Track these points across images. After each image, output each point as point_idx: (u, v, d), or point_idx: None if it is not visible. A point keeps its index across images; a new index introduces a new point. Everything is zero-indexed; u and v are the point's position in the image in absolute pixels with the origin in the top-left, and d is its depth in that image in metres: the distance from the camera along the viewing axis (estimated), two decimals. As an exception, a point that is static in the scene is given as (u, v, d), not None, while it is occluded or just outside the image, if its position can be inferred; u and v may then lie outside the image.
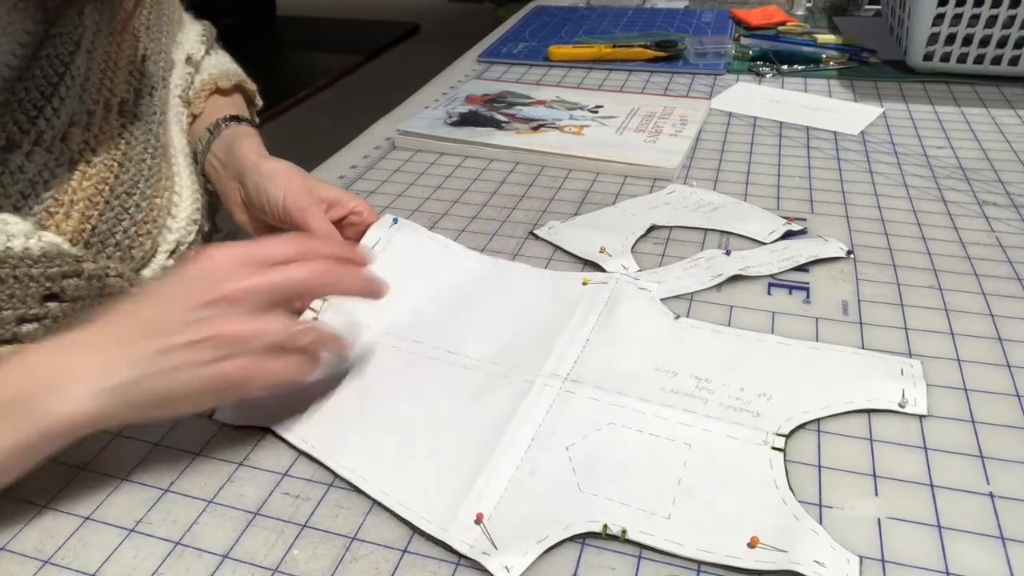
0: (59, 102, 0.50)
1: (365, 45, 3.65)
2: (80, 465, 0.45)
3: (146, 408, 0.40)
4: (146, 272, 0.57)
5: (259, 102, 0.79)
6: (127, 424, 0.45)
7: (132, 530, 0.41)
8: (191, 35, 0.72)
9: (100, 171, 0.53)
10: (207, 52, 0.73)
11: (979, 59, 0.99)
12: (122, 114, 0.56)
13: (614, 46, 1.14)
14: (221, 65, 0.73)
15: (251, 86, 0.77)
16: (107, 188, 0.53)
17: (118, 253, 0.54)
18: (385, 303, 0.56)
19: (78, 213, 0.51)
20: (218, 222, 0.71)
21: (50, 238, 0.47)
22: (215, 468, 0.45)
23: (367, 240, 0.59)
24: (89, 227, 0.52)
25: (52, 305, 0.48)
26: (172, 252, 0.60)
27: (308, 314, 0.54)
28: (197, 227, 0.62)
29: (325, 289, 0.46)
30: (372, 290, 0.47)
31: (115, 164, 0.54)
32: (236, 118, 0.67)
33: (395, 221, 0.62)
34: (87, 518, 0.42)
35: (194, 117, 0.69)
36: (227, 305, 0.40)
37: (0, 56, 0.48)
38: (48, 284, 0.47)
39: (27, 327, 0.47)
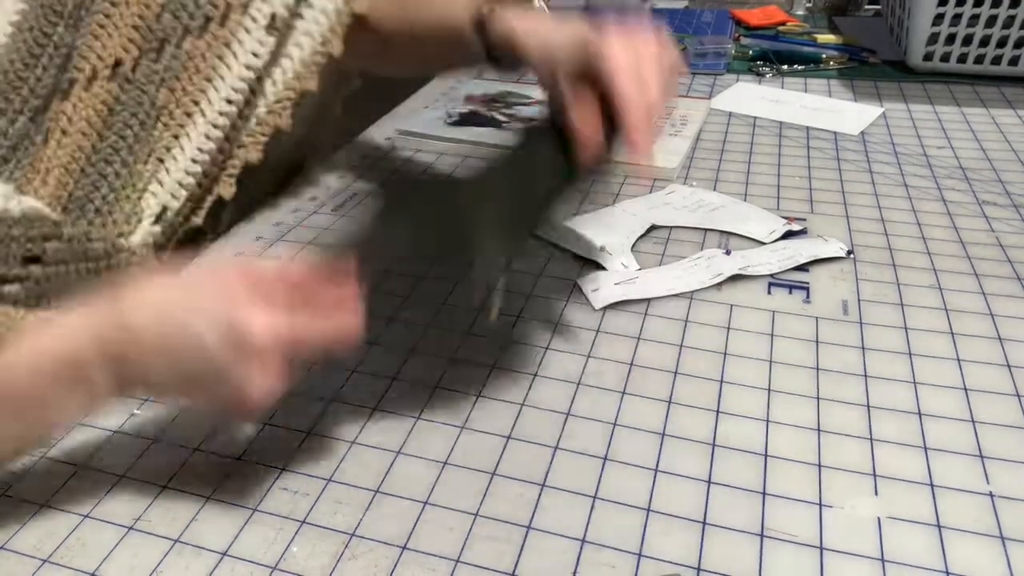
0: (41, 71, 0.51)
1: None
2: (78, 463, 0.45)
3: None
4: (134, 239, 0.56)
5: None
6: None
7: (131, 528, 0.41)
8: None
9: (77, 139, 0.53)
10: None
11: (979, 59, 0.99)
12: (112, 79, 0.55)
13: (614, 46, 1.14)
14: None
15: None
16: (83, 156, 0.54)
17: (98, 219, 0.55)
18: None
19: (54, 180, 0.52)
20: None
21: (30, 201, 0.49)
22: (213, 464, 0.45)
23: None
24: (65, 194, 0.53)
25: (34, 268, 0.49)
26: (158, 217, 0.58)
27: None
28: (187, 193, 0.59)
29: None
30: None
31: (93, 133, 0.54)
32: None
33: None
34: (86, 516, 0.42)
35: (330, 57, 0.62)
36: (259, 362, 0.39)
37: None
38: (29, 246, 0.48)
39: (8, 288, 0.48)
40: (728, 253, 0.63)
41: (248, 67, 0.60)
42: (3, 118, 0.50)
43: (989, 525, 0.40)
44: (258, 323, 0.38)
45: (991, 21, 0.96)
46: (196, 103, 0.59)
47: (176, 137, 0.59)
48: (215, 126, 0.60)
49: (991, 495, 0.42)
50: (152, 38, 0.56)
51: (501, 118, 0.90)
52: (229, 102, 0.60)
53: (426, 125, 0.88)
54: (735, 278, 0.60)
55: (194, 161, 0.59)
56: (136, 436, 0.47)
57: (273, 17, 0.61)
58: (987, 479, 0.42)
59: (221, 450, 0.46)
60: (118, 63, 0.55)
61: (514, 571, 0.39)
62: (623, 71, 0.46)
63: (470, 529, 0.41)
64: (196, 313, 0.38)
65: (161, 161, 0.58)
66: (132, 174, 0.56)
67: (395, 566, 0.39)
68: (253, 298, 0.39)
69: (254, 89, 0.61)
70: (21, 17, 0.52)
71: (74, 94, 0.54)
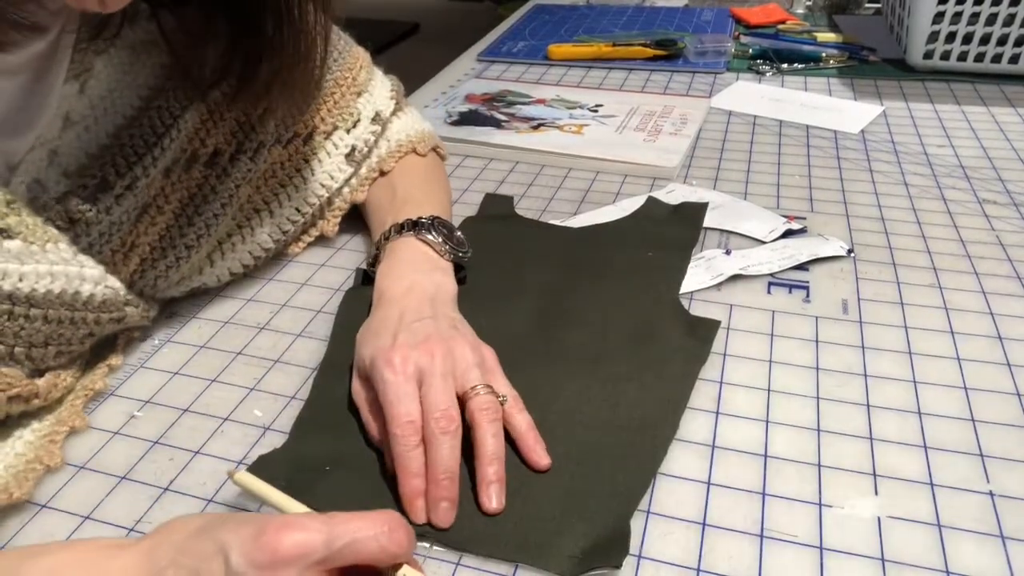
0: (160, 152, 0.50)
1: (365, 44, 3.65)
2: (80, 464, 0.45)
3: None
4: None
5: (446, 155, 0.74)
6: None
7: (132, 529, 0.41)
8: (382, 91, 0.68)
9: (168, 219, 0.53)
10: (396, 111, 0.69)
11: (979, 57, 0.99)
12: (210, 166, 0.54)
13: (614, 45, 1.14)
14: (418, 125, 0.70)
15: (444, 151, 0.72)
16: (168, 236, 0.53)
17: (152, 292, 0.55)
18: None
19: (137, 257, 0.52)
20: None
21: (112, 283, 0.48)
22: (215, 466, 0.45)
23: None
24: (140, 271, 0.52)
25: (88, 341, 0.49)
26: (191, 290, 0.59)
27: None
28: (229, 280, 0.61)
29: None
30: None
31: (184, 215, 0.54)
32: (416, 225, 0.56)
33: None
34: (87, 517, 0.42)
35: (381, 172, 0.66)
36: None
37: (120, 108, 0.48)
38: (95, 327, 0.49)
39: (62, 359, 0.48)
40: (728, 253, 0.63)
41: (323, 186, 0.63)
42: (109, 193, 0.48)
43: (989, 525, 0.40)
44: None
45: (991, 19, 0.96)
46: (267, 204, 0.61)
47: (240, 227, 0.60)
48: (281, 230, 0.62)
49: (991, 494, 0.42)
50: (255, 138, 0.57)
51: (501, 117, 0.90)
52: (298, 211, 0.63)
53: (426, 125, 0.88)
54: (735, 278, 0.60)
55: (251, 255, 0.61)
56: (138, 438, 0.47)
57: (353, 149, 0.64)
58: (987, 478, 0.42)
59: (222, 453, 0.46)
60: (216, 152, 0.55)
61: (514, 573, 0.39)
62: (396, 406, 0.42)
63: (470, 530, 0.41)
64: None
65: (219, 244, 0.59)
66: (198, 259, 0.57)
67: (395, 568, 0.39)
68: None
69: (323, 207, 0.65)
70: (152, 93, 0.50)
71: (174, 173, 0.52)
